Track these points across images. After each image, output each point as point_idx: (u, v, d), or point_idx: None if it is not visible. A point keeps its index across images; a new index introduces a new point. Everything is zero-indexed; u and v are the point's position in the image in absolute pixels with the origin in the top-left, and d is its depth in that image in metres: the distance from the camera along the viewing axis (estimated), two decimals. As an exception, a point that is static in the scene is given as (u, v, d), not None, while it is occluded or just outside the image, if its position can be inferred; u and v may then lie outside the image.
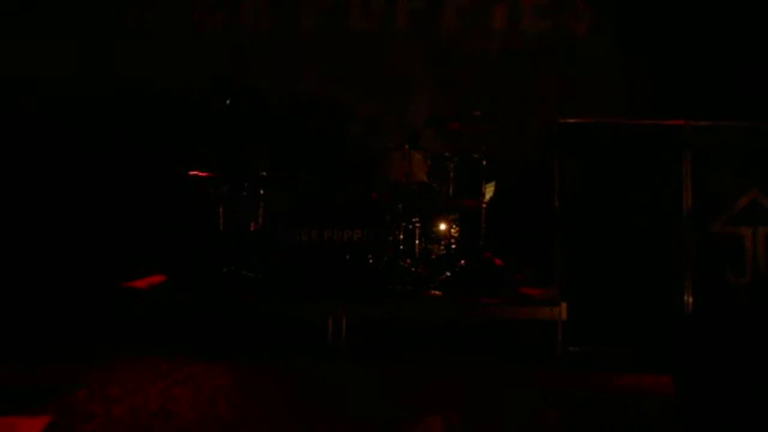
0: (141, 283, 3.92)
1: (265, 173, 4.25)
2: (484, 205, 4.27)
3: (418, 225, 4.15)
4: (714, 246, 3.67)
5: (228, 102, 4.46)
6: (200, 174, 4.26)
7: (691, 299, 3.63)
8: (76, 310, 3.76)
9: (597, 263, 3.66)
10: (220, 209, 4.22)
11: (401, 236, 4.13)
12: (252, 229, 4.24)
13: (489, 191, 4.31)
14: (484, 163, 4.27)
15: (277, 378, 3.20)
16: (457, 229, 4.27)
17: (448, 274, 4.04)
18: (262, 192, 4.23)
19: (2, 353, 3.27)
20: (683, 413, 2.70)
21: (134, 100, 5.24)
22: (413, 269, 4.03)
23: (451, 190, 4.26)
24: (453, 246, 4.26)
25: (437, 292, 3.89)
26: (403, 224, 4.14)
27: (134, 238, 4.68)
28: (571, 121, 3.80)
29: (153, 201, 4.93)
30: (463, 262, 4.12)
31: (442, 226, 4.28)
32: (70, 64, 5.30)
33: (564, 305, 3.57)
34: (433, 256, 4.25)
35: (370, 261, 4.00)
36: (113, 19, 5.44)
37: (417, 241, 4.14)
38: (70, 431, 2.45)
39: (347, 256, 4.01)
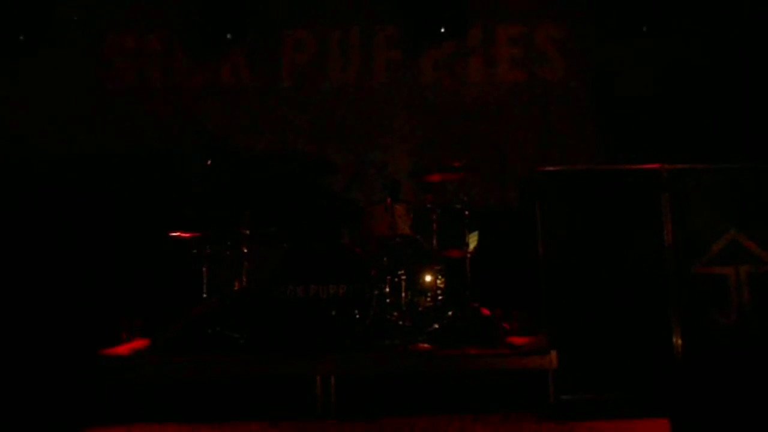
0: (123, 349, 3.88)
1: (247, 231, 4.28)
2: (469, 255, 4.32)
3: (403, 278, 4.17)
4: (698, 287, 3.71)
5: (209, 162, 4.52)
6: (182, 235, 4.28)
7: (680, 341, 3.66)
8: (57, 380, 3.70)
9: (583, 309, 3.68)
10: (204, 269, 4.23)
11: (387, 289, 4.14)
12: (236, 288, 4.24)
13: (473, 241, 4.36)
14: (467, 213, 4.33)
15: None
16: (443, 280, 4.29)
17: (436, 326, 4.05)
18: (245, 250, 4.24)
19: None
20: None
21: (116, 161, 5.29)
22: (400, 322, 4.03)
23: (435, 242, 4.31)
24: (439, 297, 4.27)
25: (426, 345, 3.89)
26: (389, 277, 4.16)
27: (116, 303, 4.65)
28: (550, 168, 3.88)
29: (135, 263, 4.93)
30: (450, 313, 4.14)
31: (428, 278, 4.30)
32: (51, 126, 5.36)
33: (554, 353, 3.57)
34: (420, 309, 4.26)
35: (357, 316, 3.99)
36: (94, 80, 5.53)
37: (403, 294, 4.15)
38: None
39: (333, 312, 4.00)
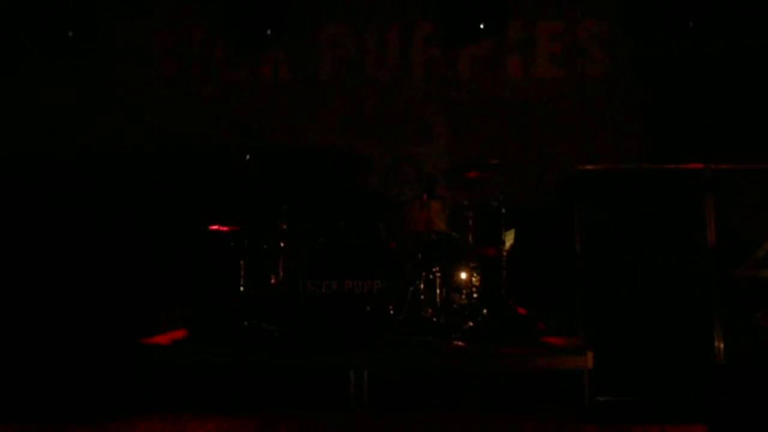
0: (163, 339, 3.97)
1: (284, 225, 4.33)
2: (505, 253, 4.29)
3: (438, 274, 4.16)
4: (741, 290, 3.63)
5: (248, 156, 4.58)
6: (221, 228, 4.35)
7: (722, 345, 3.58)
8: (98, 368, 3.80)
9: (622, 310, 3.63)
10: (241, 263, 4.29)
11: (422, 286, 4.14)
12: (272, 282, 4.29)
13: (509, 239, 4.33)
14: (503, 210, 4.30)
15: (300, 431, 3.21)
16: (478, 277, 4.27)
17: (471, 323, 4.04)
18: (282, 245, 4.29)
19: (24, 414, 3.30)
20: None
21: (157, 154, 5.40)
22: (435, 319, 4.03)
23: (470, 239, 4.29)
24: (474, 295, 4.25)
25: (460, 343, 3.88)
26: (424, 274, 4.16)
27: (156, 294, 4.75)
28: (590, 167, 3.83)
29: (175, 256, 5.02)
30: (485, 311, 4.11)
31: (463, 275, 4.29)
32: (95, 118, 5.51)
33: (590, 354, 3.53)
34: (455, 306, 4.24)
35: (391, 312, 4.01)
36: (138, 74, 5.65)
37: (438, 291, 4.15)
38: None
39: (368, 308, 4.03)
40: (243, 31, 5.70)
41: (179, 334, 4.14)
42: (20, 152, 5.34)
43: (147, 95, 5.63)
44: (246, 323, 4.05)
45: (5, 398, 3.42)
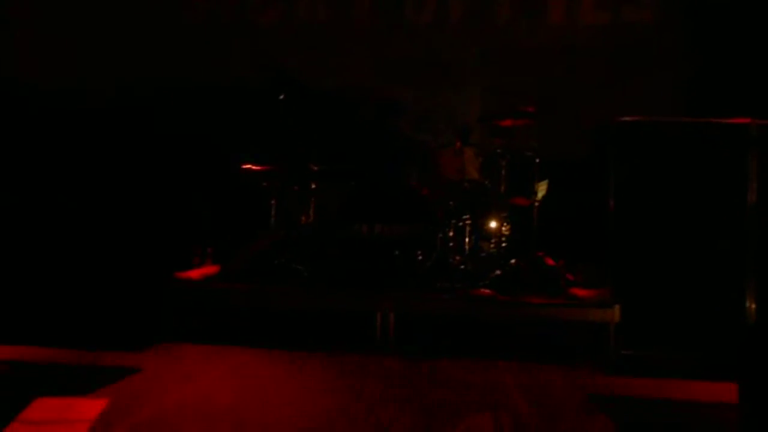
0: (195, 274, 4.05)
1: (316, 168, 4.32)
2: (537, 204, 4.25)
3: (468, 222, 4.16)
4: (779, 251, 3.54)
5: (282, 96, 4.55)
6: (253, 168, 4.37)
7: (753, 306, 3.52)
8: (133, 299, 3.90)
9: (653, 265, 3.57)
10: (272, 202, 4.31)
11: (452, 233, 4.14)
12: (303, 222, 4.32)
13: (541, 190, 4.28)
14: (537, 160, 4.24)
15: (328, 368, 3.26)
16: (509, 227, 4.25)
17: (499, 272, 4.03)
18: (313, 186, 4.30)
19: (61, 339, 3.41)
20: (749, 424, 2.63)
21: (189, 93, 5.39)
22: (463, 267, 4.04)
23: (502, 188, 4.25)
24: (504, 244, 4.25)
25: (487, 291, 3.88)
26: (454, 221, 4.15)
27: (191, 231, 4.82)
28: (628, 118, 3.71)
29: (209, 194, 5.07)
30: (514, 261, 4.10)
31: (493, 224, 4.27)
32: (128, 59, 5.49)
33: (617, 307, 3.51)
34: (483, 254, 4.25)
35: (420, 257, 4.03)
36: (171, 12, 5.59)
37: (467, 239, 4.15)
38: (126, 414, 2.56)
39: (396, 252, 4.04)
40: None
41: (212, 269, 4.21)
42: (65, 85, 5.36)
43: (178, 33, 5.58)
44: (276, 262, 4.10)
45: (43, 323, 3.54)
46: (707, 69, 5.04)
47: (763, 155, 3.54)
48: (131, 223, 4.20)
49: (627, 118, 3.72)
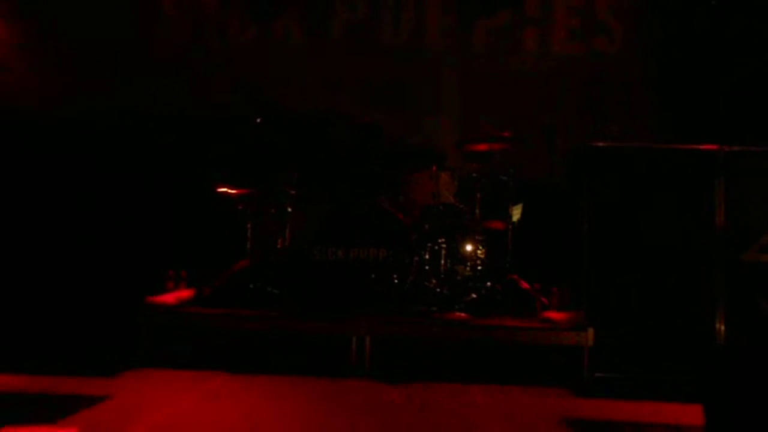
0: (169, 298, 4.01)
1: (293, 191, 4.34)
2: (511, 227, 4.30)
3: (444, 246, 4.18)
4: (747, 274, 3.62)
5: (258, 120, 4.57)
6: (229, 191, 4.36)
7: (723, 328, 3.59)
8: (103, 323, 3.86)
9: (625, 288, 3.63)
10: (248, 226, 4.31)
11: (427, 257, 4.17)
12: (279, 246, 4.31)
13: (516, 213, 4.34)
14: (512, 184, 4.30)
15: (302, 393, 3.25)
16: (484, 250, 4.28)
17: (474, 295, 4.07)
18: (289, 210, 4.31)
19: (29, 366, 3.35)
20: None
21: (167, 115, 5.38)
22: (438, 290, 4.06)
23: (478, 212, 4.29)
24: (479, 268, 4.27)
25: (462, 314, 3.90)
26: (429, 245, 4.18)
27: (165, 255, 4.78)
28: (601, 144, 3.80)
29: (184, 218, 5.04)
30: (488, 284, 4.14)
31: (469, 248, 4.30)
32: (104, 84, 5.47)
33: (591, 331, 3.55)
34: (459, 278, 4.27)
35: (396, 281, 4.03)
36: (146, 38, 5.60)
37: (443, 262, 4.17)
38: (96, 442, 2.51)
39: (372, 275, 4.05)
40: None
41: (186, 293, 4.17)
42: (28, 109, 5.32)
43: (157, 54, 5.59)
44: (251, 286, 4.09)
45: (10, 350, 3.47)
46: (675, 97, 5.19)
47: (730, 180, 3.65)
48: (102, 247, 4.17)
49: (600, 144, 3.81)
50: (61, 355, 3.52)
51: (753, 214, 3.63)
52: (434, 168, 4.37)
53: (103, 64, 5.49)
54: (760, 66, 5.04)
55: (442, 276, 4.16)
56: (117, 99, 5.42)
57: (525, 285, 4.22)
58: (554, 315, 3.85)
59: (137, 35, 5.58)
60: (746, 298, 3.60)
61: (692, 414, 2.87)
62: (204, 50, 5.62)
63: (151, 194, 5.11)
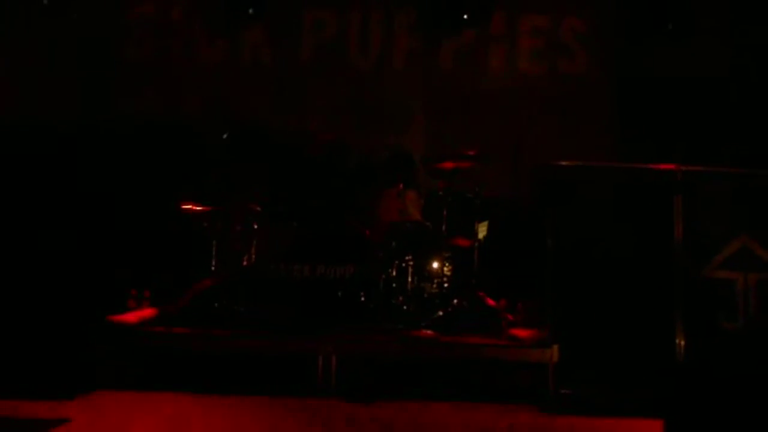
0: (131, 317, 3.94)
1: (259, 208, 4.31)
2: (477, 244, 4.34)
3: (411, 263, 4.19)
4: (705, 290, 3.70)
5: (225, 136, 4.55)
6: (194, 208, 4.32)
7: (683, 343, 3.66)
8: (62, 344, 3.76)
9: (588, 305, 3.67)
10: (214, 243, 4.27)
11: (394, 274, 4.17)
12: (244, 263, 4.28)
13: (482, 230, 4.38)
14: (478, 202, 4.34)
15: (268, 413, 3.21)
16: (450, 268, 4.29)
17: (440, 313, 4.08)
18: (255, 227, 4.28)
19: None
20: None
21: (131, 131, 5.31)
22: (405, 307, 4.07)
23: (444, 229, 4.32)
24: (445, 285, 4.28)
25: (428, 332, 3.91)
26: (396, 262, 4.18)
27: (127, 273, 4.70)
28: (564, 163, 3.87)
29: (148, 235, 4.97)
30: (455, 301, 4.16)
31: (435, 265, 4.30)
32: (66, 100, 5.38)
33: (555, 347, 3.58)
34: (426, 295, 4.26)
35: (362, 298, 4.03)
36: (114, 48, 5.54)
37: (409, 279, 4.18)
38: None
39: (339, 293, 4.05)
40: (224, 9, 5.63)
41: (148, 313, 4.11)
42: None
43: (121, 70, 5.53)
44: (216, 304, 4.05)
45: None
46: (635, 118, 5.33)
47: (688, 199, 3.74)
48: (61, 265, 4.07)
49: (563, 162, 3.87)
50: (19, 377, 3.42)
51: (710, 232, 3.72)
52: (401, 185, 4.39)
53: (67, 77, 5.41)
54: (716, 89, 5.21)
55: (409, 293, 4.16)
56: (78, 113, 5.33)
57: (491, 302, 4.25)
58: (520, 332, 3.88)
59: (104, 49, 5.51)
60: (705, 313, 3.68)
61: (653, 430, 2.91)
62: (170, 65, 5.58)
63: (114, 210, 5.02)
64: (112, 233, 4.95)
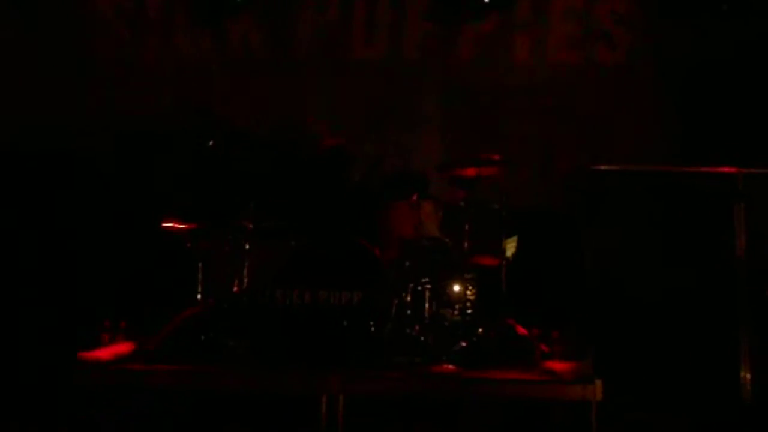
0: (105, 353, 3.96)
1: (251, 225, 4.34)
2: (505, 264, 4.33)
3: (428, 286, 4.21)
4: (774, 312, 3.70)
5: (211, 143, 4.59)
6: (177, 226, 4.36)
7: (748, 376, 3.64)
8: (24, 386, 3.79)
9: (636, 332, 3.69)
10: (199, 266, 4.30)
11: (408, 299, 4.18)
12: (235, 289, 4.30)
13: (510, 247, 4.37)
14: (505, 214, 4.35)
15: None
16: (474, 291, 4.31)
17: (463, 344, 4.07)
18: (247, 247, 4.31)
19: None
20: None
21: (104, 138, 5.36)
22: (422, 338, 4.06)
23: (466, 246, 4.33)
24: (469, 311, 4.29)
25: (450, 366, 3.92)
26: (411, 285, 4.20)
27: (101, 302, 4.73)
28: (604, 167, 3.89)
29: (123, 257, 5.01)
30: (480, 330, 4.15)
31: (456, 288, 4.33)
32: (33, 94, 5.44)
33: (599, 383, 3.56)
34: (446, 323, 4.28)
35: (372, 328, 4.05)
36: (85, 44, 5.61)
37: (427, 306, 4.19)
38: None
39: (345, 323, 4.06)
40: (208, -4, 5.69)
41: (125, 348, 4.13)
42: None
43: (94, 68, 5.60)
44: (202, 337, 4.07)
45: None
46: (686, 113, 5.31)
47: (751, 206, 3.74)
48: (27, 294, 4.11)
49: (602, 167, 3.89)
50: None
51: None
52: (415, 197, 4.41)
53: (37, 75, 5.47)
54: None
55: (426, 322, 4.17)
56: (42, 115, 5.38)
57: (522, 330, 4.23)
58: (557, 365, 3.86)
59: (74, 42, 5.58)
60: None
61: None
62: (148, 62, 5.63)
63: (85, 230, 5.07)
64: (86, 256, 5.00)
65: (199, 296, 4.31)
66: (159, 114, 5.41)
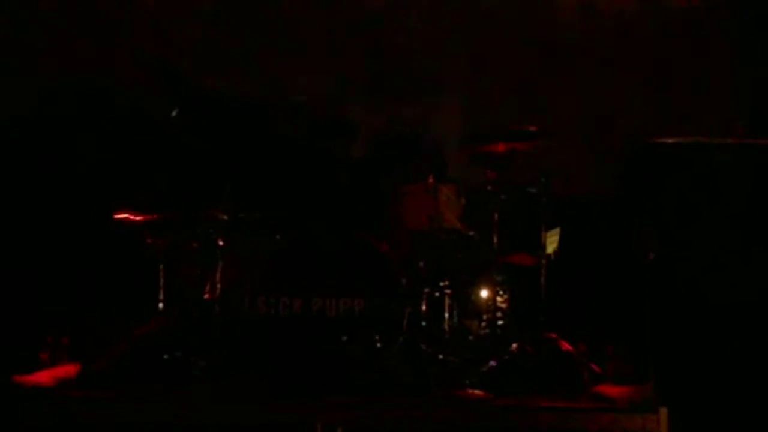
0: (44, 377, 3.98)
1: (225, 216, 4.32)
2: (545, 263, 4.31)
3: (448, 291, 4.18)
4: None
5: (175, 113, 4.57)
6: (132, 218, 4.34)
7: None
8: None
9: (710, 348, 3.66)
10: (160, 268, 4.28)
11: (424, 308, 4.17)
12: (206, 297, 4.31)
13: (551, 242, 4.36)
14: (544, 200, 4.32)
15: None
16: (506, 297, 4.31)
17: (493, 363, 4.06)
18: (220, 243, 4.29)
19: None
20: None
21: (37, 104, 5.36)
22: (441, 356, 4.05)
23: (496, 241, 4.32)
24: (500, 322, 4.29)
25: (478, 392, 3.89)
26: (427, 290, 4.19)
27: (39, 313, 4.74)
28: (671, 140, 3.86)
29: (65, 258, 5.01)
30: (514, 346, 4.14)
31: (484, 294, 4.31)
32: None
33: (664, 411, 3.55)
34: (471, 338, 4.28)
35: (378, 344, 4.04)
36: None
37: (447, 315, 4.17)
38: None
39: (344, 337, 4.05)
40: None
41: (68, 370, 4.13)
42: None
43: (26, 15, 5.60)
44: (165, 356, 4.06)
45: None
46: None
47: None
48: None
49: (669, 140, 3.86)
50: None
51: None
52: (431, 179, 4.39)
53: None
54: None
55: (447, 336, 4.15)
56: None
57: (567, 346, 4.23)
58: (610, 389, 3.86)
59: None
60: None
61: None
62: (94, 8, 5.62)
63: (18, 222, 5.07)
64: (17, 258, 5.01)
65: (160, 305, 4.30)
66: (107, 74, 5.39)
